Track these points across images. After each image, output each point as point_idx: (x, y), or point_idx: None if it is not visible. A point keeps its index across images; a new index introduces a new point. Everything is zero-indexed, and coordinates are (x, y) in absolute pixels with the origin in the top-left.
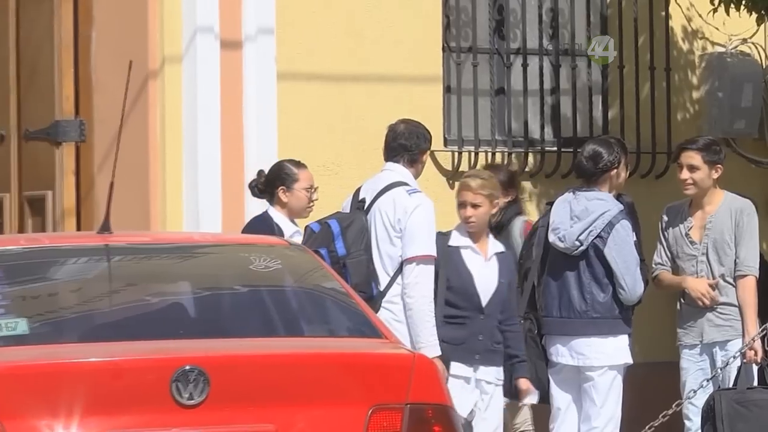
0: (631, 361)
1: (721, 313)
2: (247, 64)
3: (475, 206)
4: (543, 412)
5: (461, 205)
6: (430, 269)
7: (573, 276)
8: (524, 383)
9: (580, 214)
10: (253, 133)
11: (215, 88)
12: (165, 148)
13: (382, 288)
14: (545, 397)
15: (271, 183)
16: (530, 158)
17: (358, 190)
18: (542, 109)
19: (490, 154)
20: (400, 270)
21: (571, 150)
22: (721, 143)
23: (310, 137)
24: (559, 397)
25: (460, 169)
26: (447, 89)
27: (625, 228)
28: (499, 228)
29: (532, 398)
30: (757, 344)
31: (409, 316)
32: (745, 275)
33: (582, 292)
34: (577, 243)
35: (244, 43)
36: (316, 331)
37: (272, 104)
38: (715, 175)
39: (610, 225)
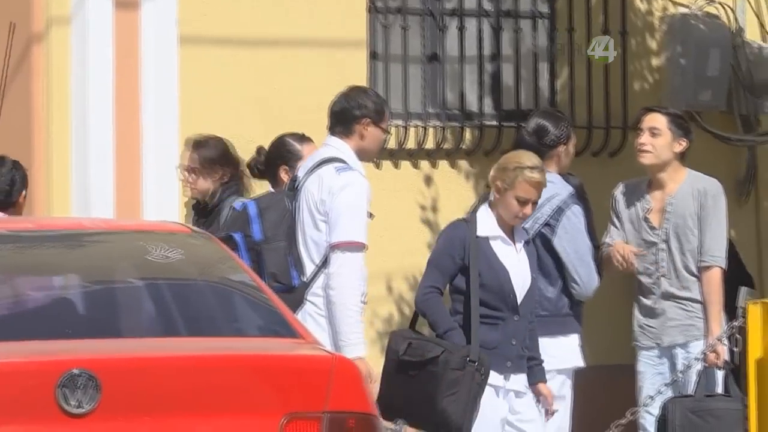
0: (582, 363)
1: (682, 311)
2: (145, 26)
3: (535, 204)
4: None
5: (522, 202)
6: (357, 257)
7: None
8: (544, 388)
9: None
10: (150, 104)
11: (108, 54)
12: (51, 122)
13: (307, 278)
14: None
15: (272, 162)
16: (467, 133)
17: (297, 168)
18: (481, 78)
19: (421, 129)
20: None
21: (514, 125)
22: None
23: (216, 109)
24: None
25: (388, 146)
26: (372, 55)
27: (576, 214)
28: (208, 212)
29: (558, 403)
30: (721, 347)
31: (331, 310)
32: (710, 266)
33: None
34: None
35: (142, 2)
36: (223, 331)
37: (173, 72)
38: (678, 149)
39: (560, 211)
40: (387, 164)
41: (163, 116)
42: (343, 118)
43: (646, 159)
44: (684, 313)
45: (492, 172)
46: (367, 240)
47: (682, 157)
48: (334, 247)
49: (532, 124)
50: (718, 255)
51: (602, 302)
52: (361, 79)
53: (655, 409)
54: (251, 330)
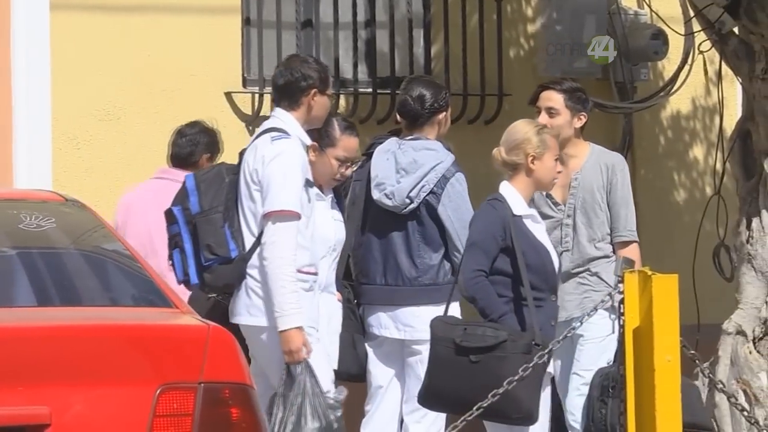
0: None
1: (580, 284)
2: None
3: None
4: (359, 391)
5: (557, 161)
6: (290, 226)
7: (400, 237)
8: None
9: (408, 166)
10: (22, 73)
11: None
12: None
13: (245, 250)
14: (362, 375)
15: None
16: (342, 100)
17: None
18: (355, 44)
19: None
20: None
21: (389, 92)
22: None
23: (89, 77)
24: (379, 374)
25: (262, 113)
26: (246, 21)
27: (460, 182)
28: None
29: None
30: None
31: (264, 281)
32: (629, 241)
33: (411, 256)
34: (407, 200)
35: None
36: (96, 300)
37: (44, 39)
38: (578, 124)
39: (444, 179)
40: None
41: (33, 85)
42: (289, 91)
43: None
44: (582, 287)
45: (508, 149)
46: (299, 209)
47: (582, 131)
48: (266, 217)
49: (415, 92)
50: (634, 229)
51: None
52: (235, 47)
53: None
54: (125, 299)
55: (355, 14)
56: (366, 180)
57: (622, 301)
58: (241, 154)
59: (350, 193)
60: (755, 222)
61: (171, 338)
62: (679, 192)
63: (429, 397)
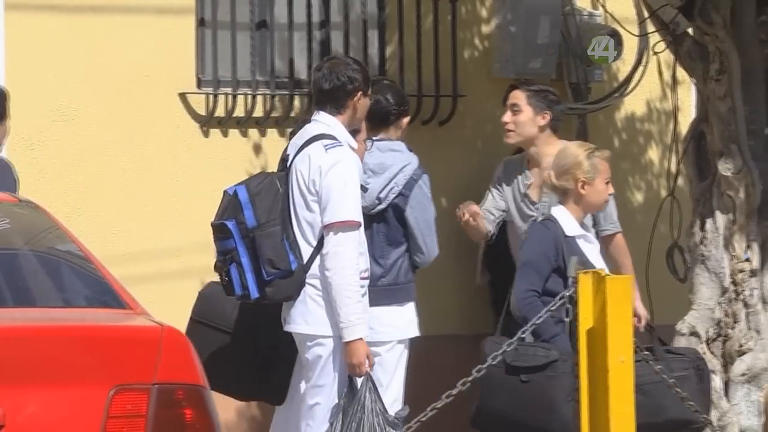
0: (418, 333)
1: None
2: None
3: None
4: None
5: (607, 183)
6: (352, 236)
7: (366, 237)
8: None
9: (376, 167)
10: None
11: None
12: None
13: (303, 261)
14: None
15: None
16: (296, 101)
17: (287, 146)
18: (310, 45)
19: (250, 97)
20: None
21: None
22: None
23: (43, 78)
24: None
25: (216, 114)
26: (200, 22)
27: (426, 184)
28: None
29: (398, 374)
30: (642, 309)
31: (329, 291)
32: (614, 233)
33: (375, 257)
34: (376, 201)
35: None
36: (49, 301)
37: None
38: (542, 122)
39: (412, 181)
40: (215, 133)
41: None
42: (336, 95)
43: (510, 138)
44: None
45: (558, 174)
46: (360, 217)
47: (555, 130)
48: (327, 228)
49: (386, 92)
50: (617, 221)
51: (436, 271)
52: (189, 48)
53: None
54: (78, 300)
55: (309, 15)
56: None
57: (575, 302)
58: (284, 161)
59: None
60: (709, 223)
61: (124, 339)
62: (633, 193)
63: (481, 419)
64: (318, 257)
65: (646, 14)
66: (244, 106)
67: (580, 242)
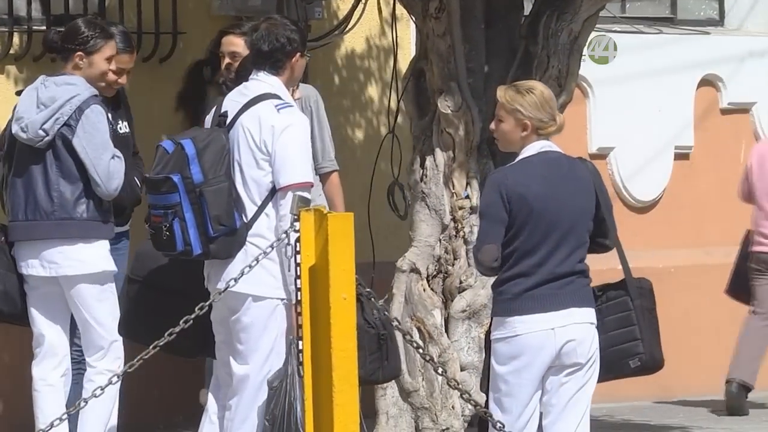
0: (114, 268)
1: None
2: None
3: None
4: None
5: None
6: (307, 197)
7: (39, 172)
8: None
9: (47, 101)
10: None
11: None
12: None
13: (247, 219)
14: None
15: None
16: (15, 38)
17: (220, 103)
18: None
19: None
20: (269, 198)
21: (62, 29)
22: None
23: None
24: (38, 317)
25: None
26: None
27: (96, 113)
28: None
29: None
30: None
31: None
32: (331, 171)
33: (49, 190)
34: (42, 133)
35: None
36: None
37: None
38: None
39: (80, 111)
40: None
41: None
42: (275, 56)
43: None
44: None
45: (537, 112)
46: (312, 178)
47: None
48: (285, 189)
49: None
50: (333, 158)
51: None
52: None
53: None
54: None
55: None
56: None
57: (298, 240)
58: (222, 115)
59: (6, 131)
60: (429, 160)
61: None
62: (354, 131)
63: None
64: (262, 216)
65: None
66: None
67: None
